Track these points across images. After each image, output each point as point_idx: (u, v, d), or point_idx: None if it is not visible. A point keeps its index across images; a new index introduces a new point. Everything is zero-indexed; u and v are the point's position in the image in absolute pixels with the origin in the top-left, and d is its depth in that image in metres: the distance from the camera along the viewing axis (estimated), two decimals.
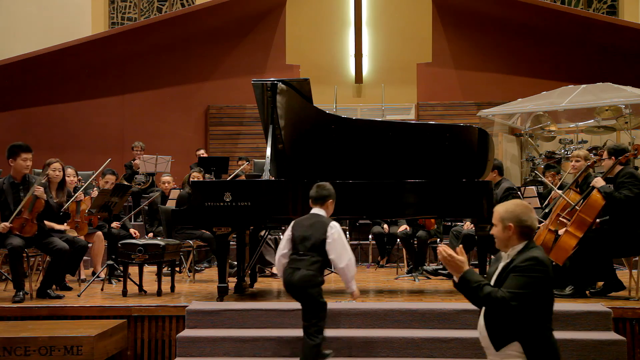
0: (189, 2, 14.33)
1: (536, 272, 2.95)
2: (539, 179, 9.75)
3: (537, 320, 2.99)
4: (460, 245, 3.20)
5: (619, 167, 5.70)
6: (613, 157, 5.71)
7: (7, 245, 5.53)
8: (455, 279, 3.09)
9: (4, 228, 5.60)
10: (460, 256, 3.08)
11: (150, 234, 7.74)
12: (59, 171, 6.42)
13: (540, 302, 2.98)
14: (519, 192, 6.67)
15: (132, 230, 7.72)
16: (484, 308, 3.13)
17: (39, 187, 5.75)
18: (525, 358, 2.99)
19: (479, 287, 2.99)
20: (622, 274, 6.02)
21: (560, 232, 5.69)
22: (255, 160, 10.83)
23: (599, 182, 5.54)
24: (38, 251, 6.10)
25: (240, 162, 9.96)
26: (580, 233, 5.49)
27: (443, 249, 3.10)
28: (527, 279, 2.95)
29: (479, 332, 3.17)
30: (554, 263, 5.77)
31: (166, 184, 8.32)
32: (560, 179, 8.01)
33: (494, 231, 3.14)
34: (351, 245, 8.62)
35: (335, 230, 4.36)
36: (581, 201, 5.65)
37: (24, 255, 5.77)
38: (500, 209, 3.14)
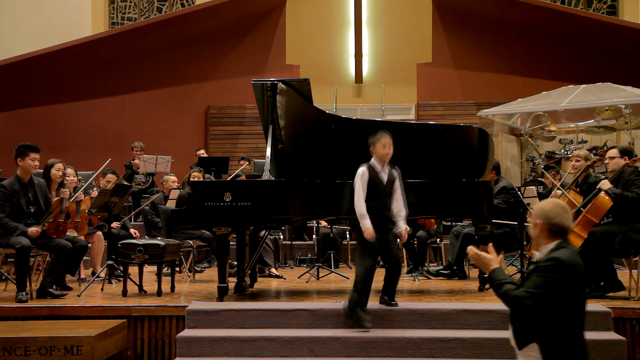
0: (189, 2, 14.33)
1: (555, 273, 2.89)
2: (540, 179, 9.76)
3: (558, 323, 2.92)
4: (490, 244, 3.19)
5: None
6: (626, 157, 5.71)
7: (16, 245, 5.53)
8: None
9: (35, 232, 5.63)
10: (489, 254, 3.07)
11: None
12: (63, 171, 6.46)
13: (561, 304, 2.91)
14: (518, 191, 6.67)
15: (132, 231, 7.73)
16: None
17: (64, 190, 5.95)
18: None
19: (499, 285, 2.98)
20: (622, 274, 6.02)
21: None
22: (255, 160, 10.83)
23: (605, 184, 5.53)
24: (38, 251, 6.10)
25: (241, 162, 9.95)
26: (586, 234, 5.51)
27: (471, 248, 3.13)
28: (545, 279, 2.90)
29: (509, 331, 3.15)
30: None
31: (172, 184, 8.34)
32: (560, 179, 8.01)
33: (529, 229, 3.12)
34: (351, 245, 8.66)
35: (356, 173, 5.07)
36: (587, 202, 5.65)
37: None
38: (535, 207, 3.12)
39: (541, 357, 2.94)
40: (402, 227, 5.06)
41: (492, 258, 3.07)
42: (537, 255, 3.12)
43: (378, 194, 5.03)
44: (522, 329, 3.01)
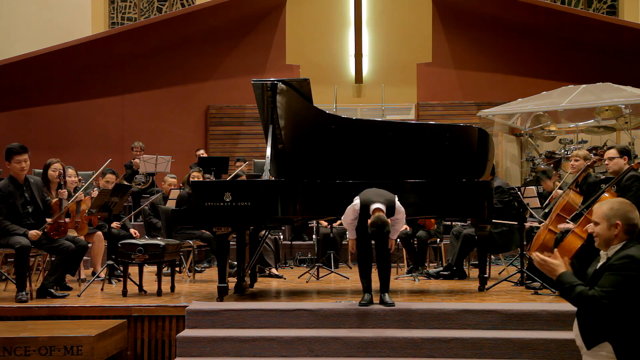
0: (189, 2, 14.33)
1: (631, 271, 2.89)
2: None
3: (631, 322, 2.90)
4: (556, 250, 3.20)
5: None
6: (625, 157, 5.70)
7: (15, 245, 5.53)
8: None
9: (35, 235, 5.63)
10: (555, 259, 3.07)
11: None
12: (60, 171, 6.44)
13: (635, 302, 2.90)
14: (518, 191, 6.66)
15: (132, 230, 7.72)
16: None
17: (62, 191, 5.94)
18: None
19: (571, 287, 2.97)
20: None
21: (564, 225, 5.67)
22: (255, 160, 10.83)
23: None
24: (38, 251, 6.10)
25: (238, 164, 9.94)
26: (586, 234, 5.50)
27: (536, 254, 3.11)
28: (620, 277, 2.89)
29: (574, 331, 3.14)
30: None
31: (168, 186, 8.32)
32: (559, 179, 8.01)
33: (598, 229, 3.09)
34: None
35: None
36: (589, 203, 5.65)
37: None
38: (605, 207, 3.09)
39: (614, 356, 2.92)
40: (393, 236, 5.31)
41: (559, 263, 3.07)
42: (603, 255, 3.11)
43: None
44: (593, 328, 2.99)
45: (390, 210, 5.15)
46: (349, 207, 5.24)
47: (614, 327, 2.92)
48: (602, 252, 3.16)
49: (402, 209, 5.25)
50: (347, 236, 5.34)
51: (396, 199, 5.24)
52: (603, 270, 3.00)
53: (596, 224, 3.10)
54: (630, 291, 2.88)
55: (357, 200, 5.21)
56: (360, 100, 13.28)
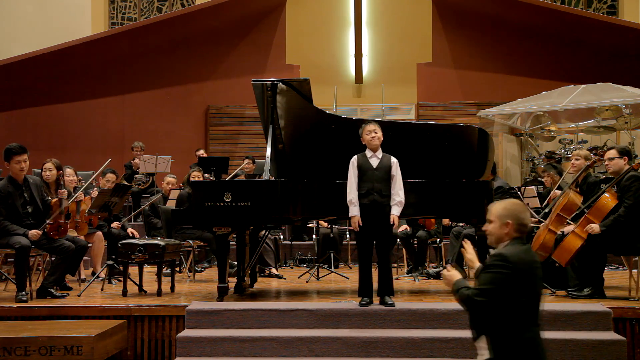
0: (189, 2, 14.33)
1: (499, 268, 2.99)
2: (539, 178, 9.75)
3: (506, 318, 3.00)
4: (449, 265, 3.34)
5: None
6: (625, 157, 5.70)
7: (15, 245, 5.53)
8: None
9: (36, 235, 5.63)
10: (448, 271, 3.20)
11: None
12: (49, 171, 6.44)
13: (508, 299, 2.99)
14: (518, 191, 6.67)
15: (129, 230, 7.69)
16: None
17: (62, 190, 5.94)
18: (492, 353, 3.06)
19: (456, 291, 3.11)
20: (622, 274, 6.03)
21: (567, 229, 5.68)
22: (255, 160, 10.83)
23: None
24: (38, 251, 6.10)
25: (246, 162, 9.93)
26: (586, 234, 5.51)
27: (442, 272, 3.27)
28: (491, 274, 3.01)
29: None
30: (557, 264, 5.78)
31: (167, 185, 8.31)
32: (559, 179, 8.00)
33: (490, 227, 3.20)
34: (350, 245, 8.67)
35: None
36: (589, 203, 5.65)
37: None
38: (499, 207, 3.20)
39: (490, 348, 3.04)
40: (394, 212, 5.25)
41: (452, 273, 3.19)
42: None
43: (368, 178, 5.28)
44: (474, 322, 3.15)
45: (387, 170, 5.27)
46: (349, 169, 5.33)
47: (490, 323, 3.05)
48: (491, 250, 3.27)
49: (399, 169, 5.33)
50: (350, 213, 5.28)
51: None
52: (482, 269, 3.14)
53: (490, 222, 3.21)
54: (501, 288, 2.99)
55: (354, 157, 5.36)
56: (360, 100, 13.28)
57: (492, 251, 3.22)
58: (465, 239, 3.50)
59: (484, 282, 3.02)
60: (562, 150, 10.39)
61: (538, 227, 6.20)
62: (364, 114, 12.71)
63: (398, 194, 5.28)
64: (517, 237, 3.13)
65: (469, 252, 3.36)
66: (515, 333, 3.01)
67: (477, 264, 3.32)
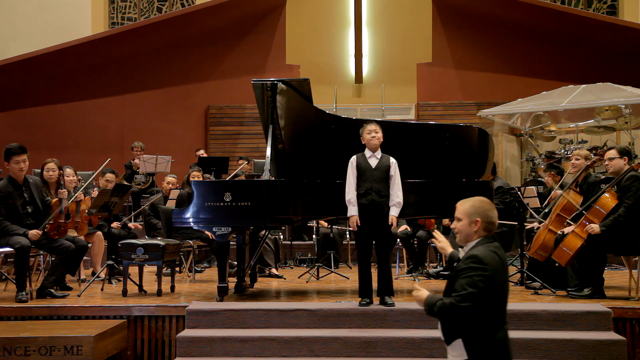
0: (189, 2, 14.33)
1: (475, 270, 2.97)
2: (539, 178, 9.75)
3: (480, 319, 2.99)
4: (415, 284, 3.33)
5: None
6: (625, 158, 5.70)
7: (15, 245, 5.53)
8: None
9: (36, 235, 5.63)
10: (418, 290, 3.16)
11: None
12: (53, 171, 6.44)
13: (484, 300, 2.98)
14: (518, 191, 6.66)
15: (131, 224, 7.68)
16: None
17: (62, 190, 5.94)
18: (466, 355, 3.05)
19: (433, 306, 3.04)
20: (622, 274, 6.02)
21: (567, 230, 5.68)
22: (255, 160, 10.83)
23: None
24: (38, 251, 6.10)
25: (240, 162, 9.94)
26: (586, 234, 5.51)
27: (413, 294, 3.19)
28: (468, 279, 2.97)
29: (439, 327, 3.22)
30: (557, 264, 5.78)
31: (167, 185, 8.31)
32: (560, 179, 8.00)
33: (459, 225, 3.17)
34: (350, 245, 8.67)
35: None
36: (589, 203, 5.65)
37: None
38: (467, 205, 3.20)
39: (465, 351, 3.03)
40: (393, 212, 5.28)
41: (420, 289, 3.15)
42: (462, 253, 3.19)
43: (367, 178, 5.30)
44: (448, 325, 3.10)
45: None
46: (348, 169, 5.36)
47: (465, 325, 3.03)
48: (460, 250, 3.25)
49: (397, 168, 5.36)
50: (348, 213, 5.30)
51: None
52: (456, 274, 3.07)
53: (458, 220, 3.19)
54: (481, 290, 2.96)
55: (353, 157, 5.39)
56: (360, 100, 13.28)
57: (462, 252, 3.18)
58: (436, 230, 3.51)
59: (464, 287, 2.97)
60: (562, 150, 10.39)
61: (538, 228, 6.20)
62: (364, 114, 12.71)
63: (397, 195, 5.29)
64: (486, 235, 3.11)
65: (440, 240, 3.39)
66: (489, 334, 3.01)
67: (450, 250, 3.35)
